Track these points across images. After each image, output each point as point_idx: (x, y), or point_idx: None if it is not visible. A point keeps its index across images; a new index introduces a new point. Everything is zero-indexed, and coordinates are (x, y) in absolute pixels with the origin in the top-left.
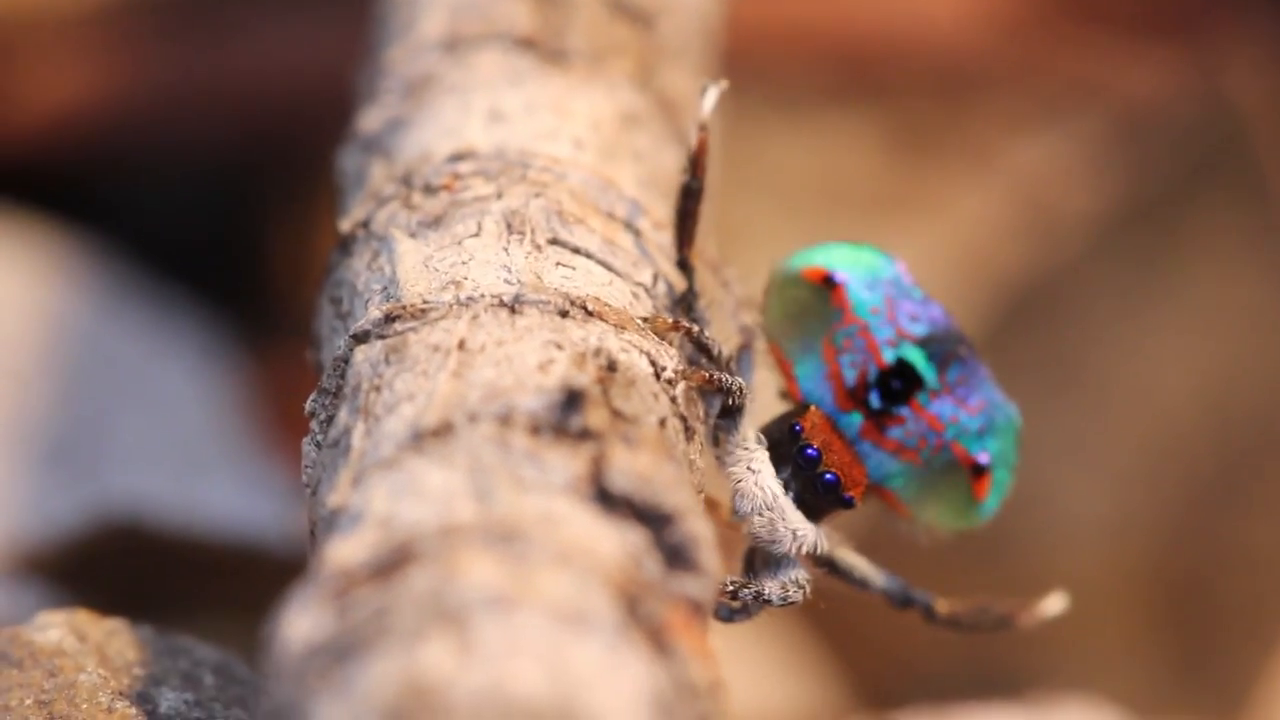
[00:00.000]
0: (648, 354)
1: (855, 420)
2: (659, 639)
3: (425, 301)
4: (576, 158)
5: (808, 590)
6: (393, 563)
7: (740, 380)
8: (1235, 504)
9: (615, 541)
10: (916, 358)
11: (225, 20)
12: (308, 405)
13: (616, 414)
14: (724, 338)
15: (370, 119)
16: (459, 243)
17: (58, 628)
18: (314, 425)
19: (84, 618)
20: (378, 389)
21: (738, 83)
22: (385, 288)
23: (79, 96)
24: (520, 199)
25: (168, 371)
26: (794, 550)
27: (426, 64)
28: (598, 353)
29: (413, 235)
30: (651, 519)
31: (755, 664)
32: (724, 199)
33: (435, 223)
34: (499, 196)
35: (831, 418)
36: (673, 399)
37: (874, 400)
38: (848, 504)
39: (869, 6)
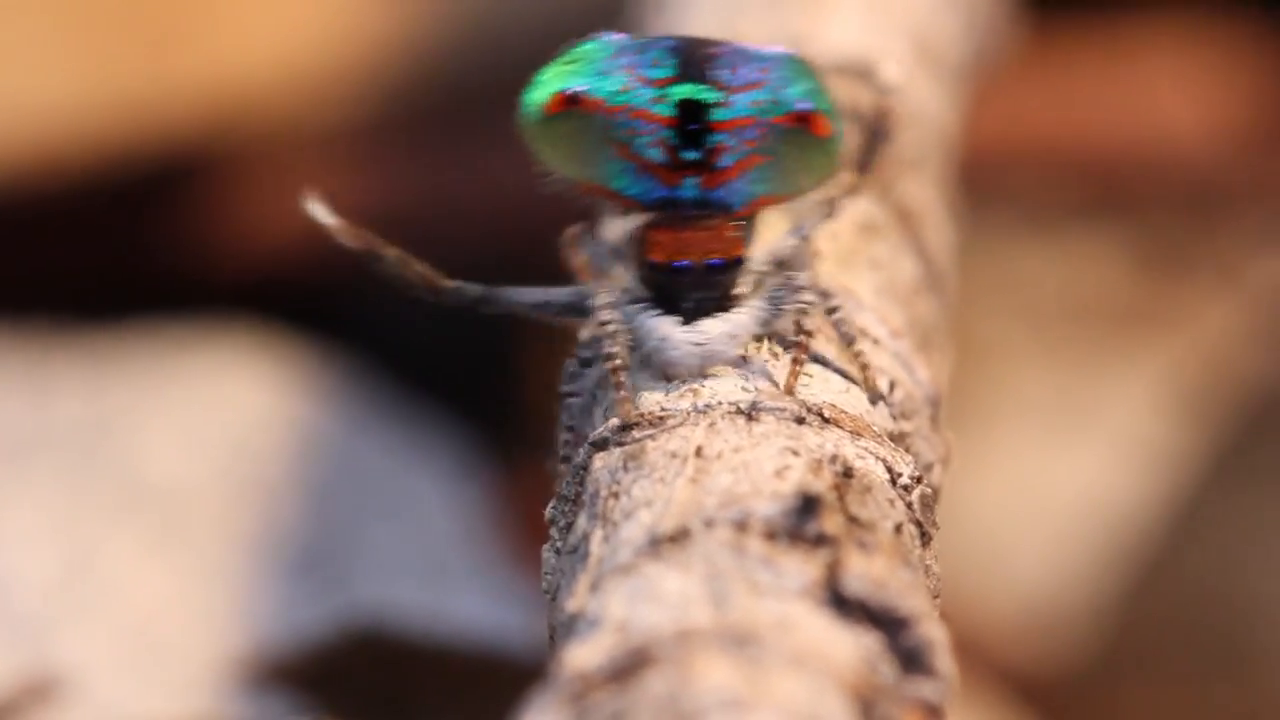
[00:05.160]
0: (884, 460)
1: (692, 182)
2: None
3: (663, 409)
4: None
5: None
6: (629, 667)
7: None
8: None
9: (850, 645)
10: (686, 90)
11: (475, 137)
12: (548, 512)
13: (852, 520)
14: None
15: (611, 230)
16: None
17: None
18: (554, 532)
19: None
20: (616, 495)
21: (983, 199)
22: None
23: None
24: None
25: (416, 483)
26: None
27: None
28: (834, 459)
29: None
30: (886, 623)
31: None
32: (969, 315)
33: None
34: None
35: (669, 210)
36: (908, 504)
37: (690, 155)
38: (741, 260)
39: (1114, 121)
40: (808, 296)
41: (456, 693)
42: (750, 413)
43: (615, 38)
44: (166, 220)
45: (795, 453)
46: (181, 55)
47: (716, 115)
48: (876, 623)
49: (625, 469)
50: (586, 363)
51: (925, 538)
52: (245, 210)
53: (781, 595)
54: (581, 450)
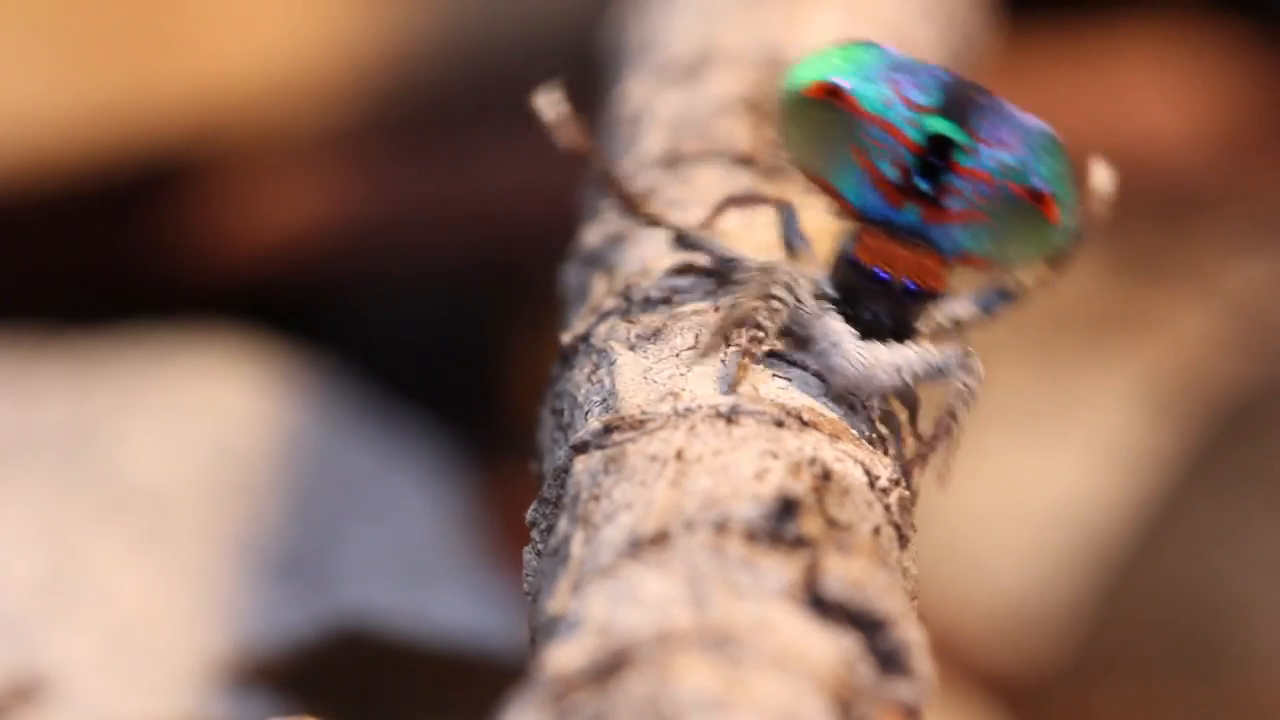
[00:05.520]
0: (862, 463)
1: (914, 210)
2: None
3: (644, 413)
4: None
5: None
6: (610, 668)
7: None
8: None
9: (829, 646)
10: (942, 126)
11: (456, 142)
12: (529, 515)
13: (831, 522)
14: None
15: (592, 234)
16: (677, 355)
17: None
18: (535, 534)
19: None
20: (596, 498)
21: None
22: (604, 399)
23: (314, 217)
24: None
25: (398, 485)
26: (902, 380)
27: (647, 180)
28: (813, 462)
29: (631, 348)
30: (865, 625)
31: None
32: None
33: (654, 335)
34: (717, 310)
35: (882, 226)
36: (886, 507)
37: (922, 185)
38: (936, 296)
39: (1090, 127)
40: (973, 384)
41: (438, 693)
42: (730, 416)
43: (890, 49)
44: (150, 225)
45: (775, 455)
46: (165, 61)
47: (961, 159)
48: (855, 624)
49: (606, 472)
50: (569, 360)
51: (903, 540)
52: (228, 215)
53: (761, 597)
54: (562, 453)
